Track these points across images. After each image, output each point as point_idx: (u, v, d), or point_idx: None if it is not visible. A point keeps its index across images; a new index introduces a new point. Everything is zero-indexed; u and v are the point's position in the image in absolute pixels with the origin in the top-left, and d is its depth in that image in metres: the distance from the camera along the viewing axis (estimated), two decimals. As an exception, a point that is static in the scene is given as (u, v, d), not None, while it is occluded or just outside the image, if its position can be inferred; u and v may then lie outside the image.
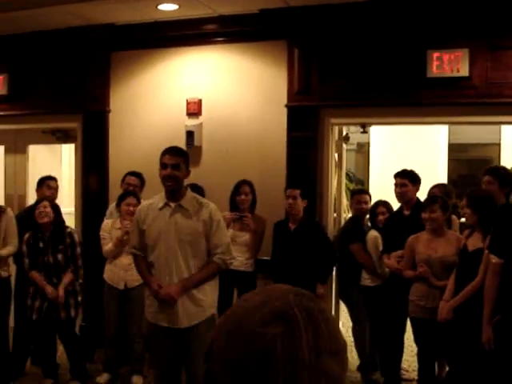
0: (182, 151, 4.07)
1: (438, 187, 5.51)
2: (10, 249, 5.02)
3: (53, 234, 5.06)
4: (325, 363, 0.86)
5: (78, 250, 5.15)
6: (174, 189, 3.90)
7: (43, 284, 4.96)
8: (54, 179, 5.85)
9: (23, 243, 5.05)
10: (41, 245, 5.01)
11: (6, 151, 7.14)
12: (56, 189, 5.83)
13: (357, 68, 5.40)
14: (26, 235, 5.07)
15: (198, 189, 5.36)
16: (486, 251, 4.00)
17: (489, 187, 4.58)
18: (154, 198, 4.05)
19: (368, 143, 9.92)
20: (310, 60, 5.50)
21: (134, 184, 5.63)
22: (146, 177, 5.70)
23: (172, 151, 3.98)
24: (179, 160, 3.92)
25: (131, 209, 5.15)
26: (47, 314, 5.01)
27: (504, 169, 4.93)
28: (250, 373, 0.84)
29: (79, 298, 5.17)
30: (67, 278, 5.03)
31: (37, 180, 5.89)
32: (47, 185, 5.73)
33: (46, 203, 5.07)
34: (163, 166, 3.87)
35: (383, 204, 5.50)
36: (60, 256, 5.03)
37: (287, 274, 4.96)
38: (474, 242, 4.26)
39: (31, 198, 6.98)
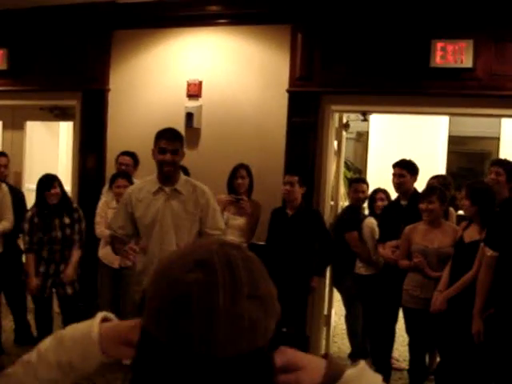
0: (179, 134, 3.91)
1: (437, 178, 5.49)
2: (5, 224, 5.00)
3: (60, 210, 5.01)
4: (242, 307, 0.90)
5: (84, 224, 5.12)
6: (171, 173, 3.79)
7: (31, 272, 4.92)
8: (3, 155, 5.67)
9: (25, 221, 4.95)
10: (48, 221, 4.97)
11: (4, 127, 7.11)
12: (5, 166, 5.62)
13: (360, 55, 5.36)
14: (29, 213, 4.99)
15: (182, 168, 5.38)
16: (482, 244, 4.00)
17: (497, 178, 4.58)
18: (144, 182, 3.92)
19: (367, 132, 9.88)
20: (314, 45, 5.46)
21: (127, 164, 5.58)
22: (143, 156, 5.66)
23: (170, 135, 3.81)
24: (178, 145, 3.79)
25: (121, 191, 5.11)
26: (51, 291, 5.03)
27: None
28: (169, 318, 0.90)
29: (79, 271, 5.16)
30: (76, 255, 5.02)
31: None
32: None
33: (56, 183, 4.98)
34: (161, 150, 3.71)
35: (383, 191, 5.54)
36: (68, 231, 5.02)
37: (281, 259, 4.95)
38: (471, 233, 4.25)
39: (27, 175, 6.96)
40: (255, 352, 0.92)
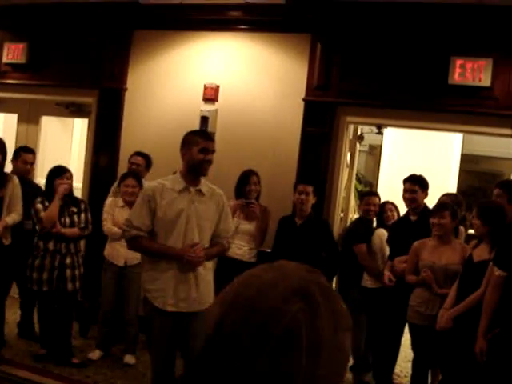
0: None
1: (448, 196, 5.47)
2: (14, 216, 5.00)
3: (67, 199, 5.09)
4: (341, 339, 0.87)
5: (90, 216, 5.19)
6: (207, 174, 3.85)
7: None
8: (32, 152, 5.68)
9: (36, 203, 5.00)
10: None
11: (19, 120, 7.15)
12: (32, 163, 5.64)
13: (378, 68, 5.36)
14: (39, 199, 5.03)
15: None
16: (491, 263, 3.98)
17: (497, 200, 4.55)
18: (166, 179, 3.89)
19: (380, 146, 9.83)
20: (332, 56, 5.47)
21: (138, 164, 5.60)
22: (157, 157, 5.69)
23: (209, 136, 3.98)
24: (215, 146, 3.91)
25: (129, 190, 5.19)
26: (57, 285, 5.03)
27: None
28: (271, 350, 0.82)
29: (82, 270, 5.17)
30: (72, 230, 5.05)
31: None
32: (23, 160, 5.52)
33: (68, 174, 5.07)
34: (204, 150, 3.75)
35: (391, 203, 5.56)
36: (76, 218, 5.09)
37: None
38: (480, 253, 4.22)
39: (39, 169, 6.98)
40: None
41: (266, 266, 0.95)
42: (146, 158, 5.68)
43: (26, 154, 5.59)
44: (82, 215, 5.12)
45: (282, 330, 0.83)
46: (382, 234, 5.29)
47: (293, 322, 0.83)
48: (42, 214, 4.95)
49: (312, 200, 5.13)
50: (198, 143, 3.77)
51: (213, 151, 3.83)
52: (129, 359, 5.32)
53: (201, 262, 3.76)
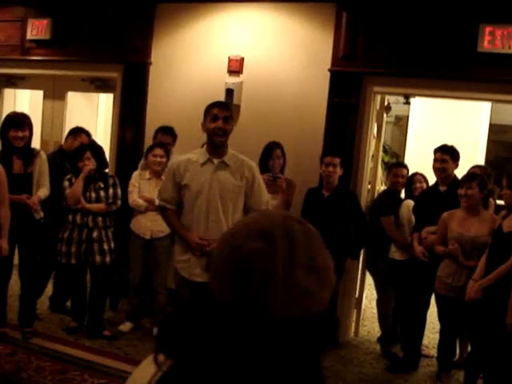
0: (229, 105, 4.11)
1: (478, 168, 5.40)
2: (45, 191, 5.07)
3: (95, 174, 5.16)
4: (297, 277, 0.96)
5: (120, 191, 5.23)
6: (222, 143, 3.87)
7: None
8: (89, 135, 5.82)
9: (65, 180, 5.14)
10: (83, 183, 5.11)
11: (45, 97, 7.18)
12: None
13: (404, 36, 5.25)
14: (68, 176, 5.17)
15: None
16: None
17: None
18: (192, 153, 3.98)
19: (406, 117, 9.71)
20: (358, 25, 5.36)
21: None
22: (181, 131, 5.68)
23: (222, 104, 4.01)
24: (229, 113, 3.92)
25: (157, 160, 5.22)
26: (86, 258, 5.11)
27: None
28: (231, 279, 0.98)
29: (112, 245, 5.22)
30: (98, 205, 5.11)
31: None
32: (81, 141, 5.63)
33: (88, 154, 5.11)
34: (214, 117, 3.80)
35: (421, 174, 5.51)
36: (102, 193, 5.14)
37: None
38: (510, 223, 4.18)
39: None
40: (307, 318, 0.99)
41: (257, 212, 1.13)
42: (172, 132, 5.65)
43: (84, 135, 5.75)
44: (110, 190, 5.16)
45: (237, 261, 0.98)
46: (410, 204, 5.25)
47: (248, 255, 0.97)
48: (67, 191, 5.05)
49: (339, 172, 5.11)
50: (210, 112, 3.85)
51: (224, 118, 3.83)
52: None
53: None
